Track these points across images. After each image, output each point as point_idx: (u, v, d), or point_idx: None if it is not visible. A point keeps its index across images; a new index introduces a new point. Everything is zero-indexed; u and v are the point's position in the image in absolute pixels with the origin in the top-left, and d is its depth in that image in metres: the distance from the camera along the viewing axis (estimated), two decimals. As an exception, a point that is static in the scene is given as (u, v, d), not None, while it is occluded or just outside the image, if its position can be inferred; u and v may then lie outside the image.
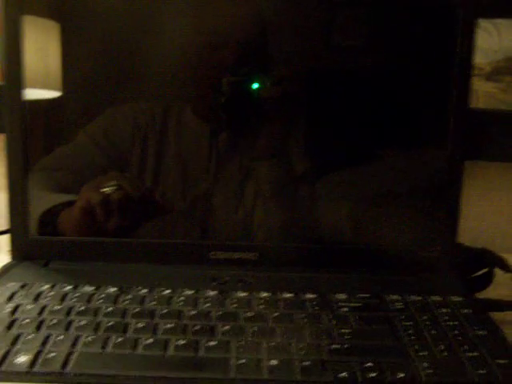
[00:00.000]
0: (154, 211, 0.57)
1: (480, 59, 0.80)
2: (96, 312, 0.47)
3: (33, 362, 0.40)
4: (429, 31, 0.56)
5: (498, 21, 0.82)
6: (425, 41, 0.56)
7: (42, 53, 0.56)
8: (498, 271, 0.65)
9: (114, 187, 0.54)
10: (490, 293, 0.63)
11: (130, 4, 0.55)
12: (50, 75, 0.57)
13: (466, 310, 0.50)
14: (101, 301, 0.48)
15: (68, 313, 0.46)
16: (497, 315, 0.55)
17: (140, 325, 0.45)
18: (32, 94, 0.55)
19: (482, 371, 0.41)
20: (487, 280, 0.62)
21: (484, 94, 0.81)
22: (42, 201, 0.56)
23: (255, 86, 0.55)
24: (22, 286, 0.50)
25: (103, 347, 0.42)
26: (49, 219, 0.56)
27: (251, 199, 0.57)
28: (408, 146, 0.59)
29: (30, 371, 0.39)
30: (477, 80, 0.81)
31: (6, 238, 0.58)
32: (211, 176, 0.57)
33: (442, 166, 0.56)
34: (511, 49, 0.79)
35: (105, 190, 0.54)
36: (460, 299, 0.52)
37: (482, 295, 0.61)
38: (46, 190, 0.56)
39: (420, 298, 0.51)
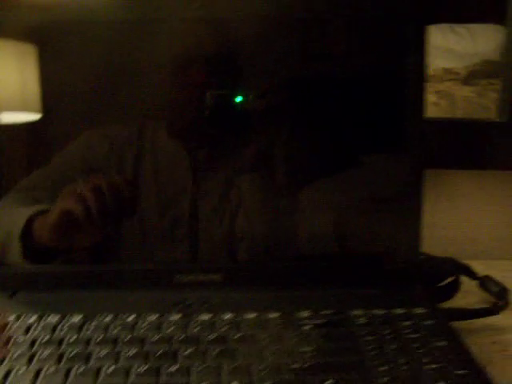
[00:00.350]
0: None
1: (456, 64, 0.81)
2: (60, 342, 0.46)
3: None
4: (380, 42, 0.57)
5: (472, 26, 0.83)
6: (378, 52, 0.57)
7: (18, 76, 0.56)
8: (465, 279, 0.66)
9: None
10: (458, 301, 0.64)
11: (106, 27, 0.55)
12: (26, 98, 0.57)
13: (428, 322, 0.50)
14: (65, 330, 0.48)
15: (32, 344, 0.46)
16: (463, 324, 0.56)
17: (103, 353, 0.45)
18: (8, 117, 0.56)
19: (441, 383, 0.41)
20: (454, 289, 0.62)
21: (461, 98, 0.82)
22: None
23: (239, 99, 0.55)
24: (-13, 319, 0.50)
25: (65, 378, 0.42)
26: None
27: (228, 217, 0.57)
28: (369, 157, 0.59)
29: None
30: (453, 85, 0.82)
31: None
32: (189, 196, 0.57)
33: (402, 176, 0.57)
34: (486, 52, 0.80)
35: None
36: (423, 311, 0.52)
37: (449, 304, 0.62)
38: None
39: (383, 311, 0.52)
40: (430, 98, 0.82)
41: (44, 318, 0.50)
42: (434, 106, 0.82)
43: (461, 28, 0.84)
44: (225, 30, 0.57)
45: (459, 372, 0.43)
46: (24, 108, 0.57)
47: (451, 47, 0.83)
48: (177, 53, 0.56)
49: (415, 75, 0.56)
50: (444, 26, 0.84)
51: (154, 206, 0.58)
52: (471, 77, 0.81)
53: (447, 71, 0.82)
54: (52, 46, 0.56)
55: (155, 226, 0.58)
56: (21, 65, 0.56)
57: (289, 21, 0.57)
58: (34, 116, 0.57)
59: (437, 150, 0.77)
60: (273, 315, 0.50)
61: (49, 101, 0.56)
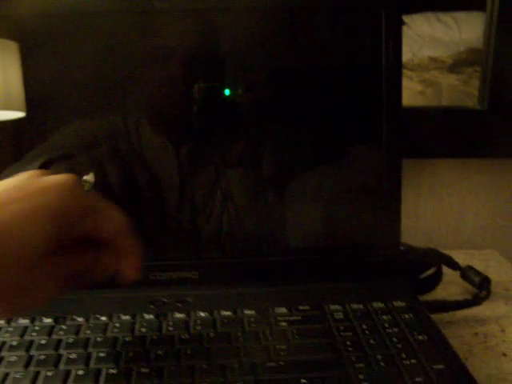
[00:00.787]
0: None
1: (441, 52, 0.81)
2: (29, 346, 0.45)
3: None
4: (356, 32, 0.56)
5: (457, 14, 0.83)
6: (354, 40, 0.56)
7: (1, 73, 0.55)
8: (447, 270, 0.65)
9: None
10: (440, 293, 0.63)
11: (89, 21, 0.54)
12: (9, 96, 0.56)
13: (407, 315, 0.49)
14: (35, 334, 0.47)
15: (0, 348, 0.45)
16: (443, 316, 0.55)
17: (73, 356, 0.44)
18: None
19: (418, 379, 0.41)
20: (435, 280, 0.62)
21: (447, 86, 0.81)
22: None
23: (227, 92, 0.54)
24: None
25: (33, 382, 0.41)
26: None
27: (216, 212, 0.56)
28: (352, 148, 0.58)
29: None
30: (439, 73, 0.81)
31: None
32: (176, 191, 0.56)
33: (381, 166, 0.56)
34: (471, 40, 0.80)
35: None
36: (403, 304, 0.51)
37: (431, 296, 0.61)
38: None
39: (361, 306, 0.51)
40: (416, 86, 0.81)
41: (13, 321, 0.49)
42: (420, 94, 0.81)
43: (446, 16, 0.83)
44: (212, 21, 0.55)
45: (438, 366, 0.42)
46: (7, 106, 0.56)
47: (437, 36, 0.82)
48: (163, 45, 0.55)
49: (393, 63, 0.54)
50: (429, 15, 0.83)
51: (140, 201, 0.56)
52: (457, 65, 0.81)
53: (433, 60, 0.82)
54: (35, 41, 0.55)
55: (141, 221, 0.56)
56: (3, 62, 0.54)
57: (275, 12, 0.55)
58: (17, 114, 0.55)
59: (418, 139, 0.76)
60: (247, 312, 0.49)
61: (32, 98, 0.55)
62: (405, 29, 0.81)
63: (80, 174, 0.48)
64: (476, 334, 0.54)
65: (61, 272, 0.37)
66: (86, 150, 0.56)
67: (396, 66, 0.55)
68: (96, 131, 0.56)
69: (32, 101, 0.55)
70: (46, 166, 0.54)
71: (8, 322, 0.49)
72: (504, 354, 0.51)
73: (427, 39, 0.82)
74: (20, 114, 0.55)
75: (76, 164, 0.55)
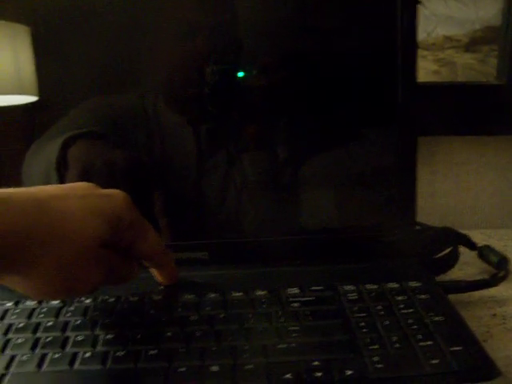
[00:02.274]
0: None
1: (457, 31, 0.79)
2: (36, 328, 0.44)
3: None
4: (370, 8, 0.54)
5: None
6: (368, 19, 0.54)
7: (13, 58, 0.54)
8: (464, 250, 0.63)
9: None
10: (457, 273, 0.61)
11: (102, 1, 0.53)
12: (21, 80, 0.55)
13: (423, 296, 0.48)
14: (42, 315, 0.46)
15: (6, 331, 0.44)
16: (460, 297, 0.53)
17: (80, 338, 0.43)
18: (4, 100, 0.54)
19: (434, 361, 0.39)
20: (452, 260, 0.60)
21: (462, 65, 0.80)
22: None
23: (240, 74, 0.53)
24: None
25: (39, 365, 0.40)
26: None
27: (229, 193, 0.55)
28: (366, 128, 0.57)
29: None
30: (454, 52, 0.80)
31: None
32: (194, 172, 0.55)
33: (395, 145, 0.54)
34: (488, 18, 0.78)
35: None
36: (418, 284, 0.50)
37: (447, 276, 0.60)
38: None
39: (376, 286, 0.49)
40: (431, 66, 0.79)
41: (20, 303, 0.48)
42: (435, 74, 0.79)
43: (462, -6, 0.81)
44: (228, 2, 0.54)
45: (455, 348, 0.40)
46: (20, 91, 0.55)
47: (452, 14, 0.80)
48: (178, 27, 0.54)
49: (407, 40, 0.53)
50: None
51: (152, 180, 0.56)
52: (473, 44, 0.79)
53: (448, 39, 0.80)
54: (46, 25, 0.53)
55: (151, 200, 0.55)
56: (15, 46, 0.53)
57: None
58: (30, 98, 0.55)
59: (434, 116, 0.74)
60: (259, 293, 0.48)
61: (45, 81, 0.54)
62: (420, 8, 0.79)
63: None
64: (494, 314, 0.53)
65: (104, 265, 0.41)
66: (106, 129, 0.55)
67: (410, 43, 0.53)
68: (113, 109, 0.56)
69: (44, 84, 0.54)
70: (69, 144, 0.53)
71: (16, 304, 0.48)
72: (523, 336, 0.49)
73: (442, 18, 0.80)
74: (33, 99, 0.55)
75: (99, 141, 0.54)
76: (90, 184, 0.44)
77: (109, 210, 0.41)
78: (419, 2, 0.80)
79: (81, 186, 0.43)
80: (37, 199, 0.38)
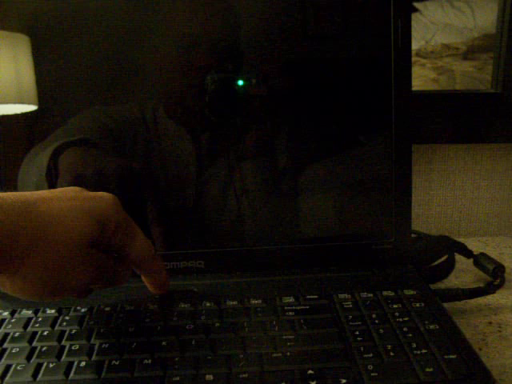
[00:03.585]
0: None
1: (455, 39, 0.79)
2: (32, 337, 0.44)
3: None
4: (367, 17, 0.54)
5: None
6: (364, 28, 0.54)
7: (13, 67, 0.54)
8: (460, 257, 0.63)
9: None
10: (453, 281, 0.61)
11: (104, 9, 0.53)
12: (21, 89, 0.55)
13: (418, 304, 0.48)
14: (38, 325, 0.46)
15: (2, 341, 0.44)
16: (455, 305, 0.54)
17: (75, 347, 0.43)
18: (4, 109, 0.54)
19: (429, 369, 0.40)
20: (448, 268, 0.60)
21: (461, 73, 0.80)
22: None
23: (240, 83, 0.53)
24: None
25: (34, 375, 0.40)
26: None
27: (226, 202, 0.55)
28: (361, 136, 0.57)
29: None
30: (453, 60, 0.80)
31: None
32: (194, 181, 0.56)
33: (390, 152, 0.55)
34: (486, 26, 0.78)
35: None
36: (414, 292, 0.50)
37: (443, 284, 0.60)
38: None
39: (371, 294, 0.49)
40: (429, 74, 0.80)
41: (17, 313, 0.48)
42: (433, 82, 0.79)
43: (460, 2, 0.81)
44: (227, 12, 0.55)
45: (450, 357, 0.41)
46: (20, 100, 0.55)
47: (450, 22, 0.81)
48: (178, 35, 0.54)
49: (402, 49, 0.53)
50: (443, 1, 0.81)
51: (158, 191, 0.56)
52: (471, 51, 0.79)
53: (446, 47, 0.80)
54: (46, 35, 0.54)
55: (147, 209, 0.55)
56: (15, 56, 0.54)
57: (291, 2, 0.54)
58: (30, 107, 0.55)
59: (430, 123, 0.74)
60: (254, 302, 0.48)
61: (45, 90, 0.55)
62: (418, 16, 0.80)
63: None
64: (490, 323, 0.53)
65: (92, 265, 0.41)
66: (100, 137, 0.55)
67: (405, 52, 0.53)
68: (112, 119, 0.56)
69: (44, 94, 0.54)
70: (60, 151, 0.53)
71: (12, 313, 0.48)
72: (519, 344, 0.49)
73: (440, 26, 0.80)
74: (32, 108, 0.55)
75: (91, 148, 0.54)
76: (80, 188, 0.44)
77: (96, 211, 0.41)
78: (416, 10, 0.81)
79: (70, 189, 0.43)
80: (25, 201, 0.38)
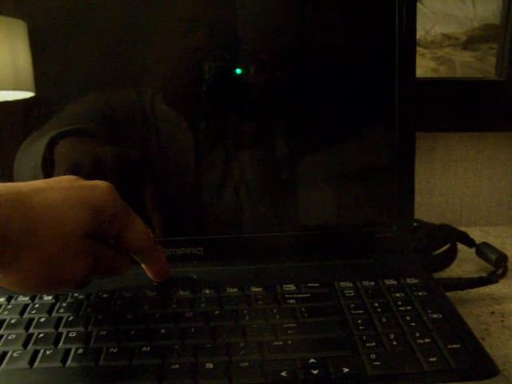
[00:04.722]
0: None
1: (456, 29, 0.79)
2: (28, 324, 0.44)
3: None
4: (368, 3, 0.53)
5: None
6: (367, 16, 0.54)
7: (9, 53, 0.53)
8: (462, 247, 0.63)
9: None
10: (455, 270, 0.61)
11: None
12: (18, 76, 0.54)
13: (421, 293, 0.47)
14: (34, 311, 0.45)
15: (-1, 326, 0.43)
16: (458, 294, 0.53)
17: (73, 334, 0.42)
18: (0, 96, 0.54)
19: (432, 359, 0.39)
20: (450, 257, 0.60)
21: (461, 63, 0.79)
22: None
23: (238, 71, 0.53)
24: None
25: (31, 362, 0.39)
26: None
27: (225, 189, 0.55)
28: (365, 124, 0.56)
29: None
30: (453, 50, 0.79)
31: None
32: (192, 169, 0.55)
33: (393, 141, 0.54)
34: (487, 16, 0.77)
35: None
36: (416, 281, 0.49)
37: (445, 273, 0.59)
38: None
39: (373, 283, 0.49)
40: (429, 64, 0.79)
41: (13, 299, 0.47)
42: (433, 72, 0.79)
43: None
44: (225, 0, 0.54)
45: (453, 346, 0.40)
46: (16, 86, 0.54)
47: (450, 12, 0.80)
48: (176, 22, 0.53)
49: (406, 37, 0.52)
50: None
51: (156, 178, 0.55)
52: (471, 41, 0.78)
53: (446, 37, 0.79)
54: (43, 20, 0.53)
55: (146, 196, 0.55)
56: (11, 41, 0.53)
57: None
58: (26, 94, 0.54)
59: (432, 112, 0.74)
60: (255, 290, 0.47)
61: (41, 77, 0.53)
62: (418, 5, 0.79)
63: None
64: (493, 312, 0.52)
65: (89, 256, 0.40)
66: (97, 125, 0.54)
67: (409, 39, 0.52)
68: (109, 106, 0.55)
69: (41, 80, 0.53)
70: (56, 140, 0.52)
71: (8, 300, 0.47)
72: (522, 333, 0.49)
73: (440, 16, 0.79)
74: (29, 94, 0.54)
75: (87, 138, 0.53)
76: (75, 176, 0.43)
77: (91, 200, 0.40)
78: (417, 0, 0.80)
79: (65, 178, 0.42)
80: (18, 192, 0.37)
